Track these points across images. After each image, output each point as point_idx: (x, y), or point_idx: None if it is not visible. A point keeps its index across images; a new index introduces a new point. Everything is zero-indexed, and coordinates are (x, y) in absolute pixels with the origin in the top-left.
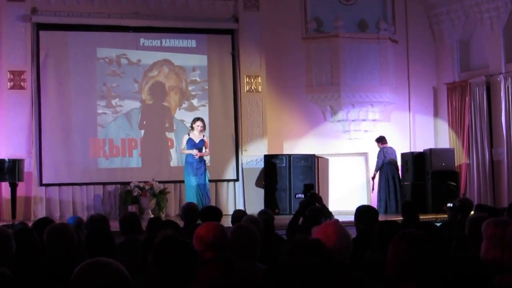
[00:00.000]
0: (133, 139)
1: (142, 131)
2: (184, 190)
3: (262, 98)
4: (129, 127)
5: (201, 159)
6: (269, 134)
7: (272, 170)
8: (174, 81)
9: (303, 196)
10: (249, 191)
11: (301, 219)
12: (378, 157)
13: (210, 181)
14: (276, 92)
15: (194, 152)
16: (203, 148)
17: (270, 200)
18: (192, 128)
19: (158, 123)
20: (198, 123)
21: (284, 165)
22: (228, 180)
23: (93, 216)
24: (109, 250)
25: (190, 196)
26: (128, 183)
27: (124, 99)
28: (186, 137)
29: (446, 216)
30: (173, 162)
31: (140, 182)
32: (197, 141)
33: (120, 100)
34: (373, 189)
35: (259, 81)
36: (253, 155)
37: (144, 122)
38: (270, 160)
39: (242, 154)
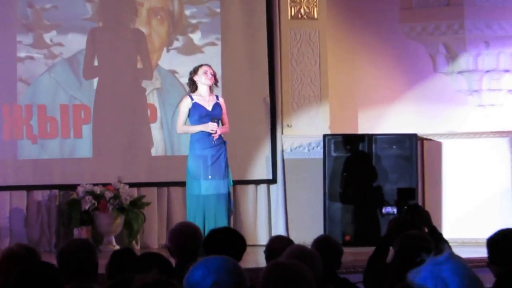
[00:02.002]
0: (82, 107)
1: (94, 91)
2: (177, 199)
3: (319, 31)
4: (76, 83)
5: (221, 142)
6: (332, 98)
7: (339, 163)
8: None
9: (395, 210)
10: (296, 200)
11: (391, 252)
12: None
13: None
14: (344, 20)
15: (210, 127)
16: (220, 119)
17: (334, 218)
18: (193, 83)
19: (125, 74)
20: (205, 68)
21: (359, 154)
22: (258, 182)
23: (9, 251)
24: None
25: (196, 213)
26: (73, 187)
27: (67, 33)
28: (186, 102)
29: None
30: (157, 149)
31: (95, 185)
32: (209, 107)
33: (60, 35)
34: None
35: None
36: (303, 135)
37: (101, 75)
38: (334, 144)
39: (282, 133)
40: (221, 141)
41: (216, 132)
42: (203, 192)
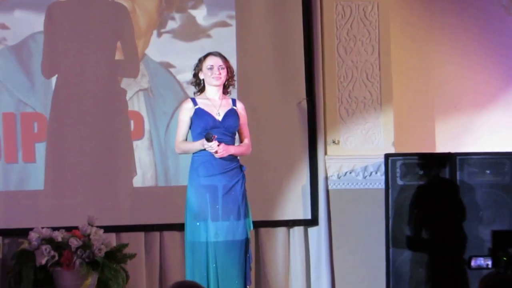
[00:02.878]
0: (35, 116)
1: (52, 94)
2: (173, 250)
3: (379, 4)
4: (26, 82)
5: (236, 166)
6: (398, 102)
7: (407, 195)
8: None
9: (489, 263)
10: (346, 249)
11: None
12: None
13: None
14: None
15: (214, 146)
16: (235, 133)
17: (401, 272)
18: (199, 83)
19: (98, 69)
20: (210, 61)
21: (438, 181)
22: (291, 223)
23: None
24: None
25: (199, 268)
26: (23, 233)
27: (13, 9)
28: (187, 108)
29: None
30: (144, 178)
31: (55, 229)
32: (219, 115)
33: (3, 12)
34: None
35: None
36: (356, 155)
37: (62, 71)
38: (401, 168)
39: (326, 153)
40: (237, 165)
41: (219, 154)
42: (211, 238)
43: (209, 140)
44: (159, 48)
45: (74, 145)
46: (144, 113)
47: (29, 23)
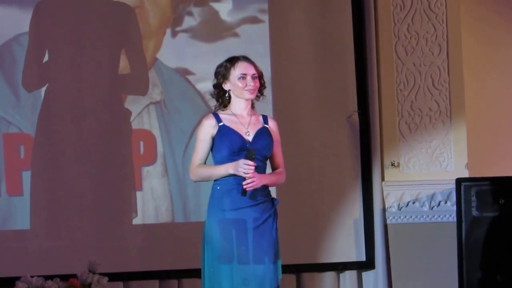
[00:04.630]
0: (21, 138)
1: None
2: None
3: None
4: (9, 96)
5: (267, 199)
6: (472, 116)
7: (483, 229)
8: None
9: None
10: None
11: None
12: None
13: (283, 267)
14: None
15: (242, 166)
16: (267, 157)
17: None
18: (222, 94)
19: (97, 81)
20: (242, 67)
21: None
22: (341, 266)
23: None
24: None
25: None
26: (9, 282)
27: None
28: (208, 125)
29: None
30: (158, 213)
31: (47, 277)
32: (249, 135)
33: None
34: None
35: None
36: (421, 180)
37: (53, 83)
38: (477, 196)
39: (383, 179)
40: (268, 197)
41: (251, 181)
42: (238, 286)
43: (251, 158)
44: (174, 50)
45: (68, 172)
46: (156, 132)
47: (12, 22)
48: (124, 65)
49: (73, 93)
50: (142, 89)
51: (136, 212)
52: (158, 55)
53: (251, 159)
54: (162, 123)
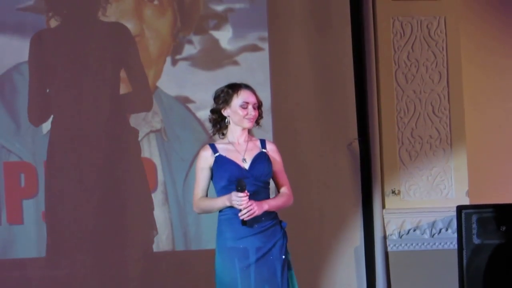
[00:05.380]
0: (22, 167)
1: (44, 139)
2: None
3: (447, 19)
4: (10, 124)
5: (274, 223)
6: (473, 142)
7: (484, 257)
8: None
9: None
10: None
11: None
12: None
13: None
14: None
15: (234, 198)
16: (268, 182)
17: None
18: (220, 120)
19: (100, 107)
20: (244, 95)
21: None
22: None
23: None
24: None
25: None
26: None
27: None
28: (204, 156)
29: None
30: (159, 241)
31: None
32: (246, 162)
33: None
34: None
35: None
36: (422, 208)
37: (57, 112)
38: (478, 223)
39: (384, 207)
40: (275, 221)
41: (248, 212)
42: None
43: (241, 189)
44: (174, 79)
45: (73, 202)
46: (157, 160)
47: (13, 50)
48: (124, 86)
49: (76, 119)
50: (146, 106)
51: (156, 230)
52: (158, 83)
53: (241, 191)
54: (162, 151)
